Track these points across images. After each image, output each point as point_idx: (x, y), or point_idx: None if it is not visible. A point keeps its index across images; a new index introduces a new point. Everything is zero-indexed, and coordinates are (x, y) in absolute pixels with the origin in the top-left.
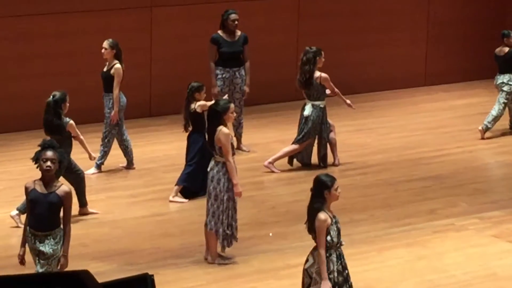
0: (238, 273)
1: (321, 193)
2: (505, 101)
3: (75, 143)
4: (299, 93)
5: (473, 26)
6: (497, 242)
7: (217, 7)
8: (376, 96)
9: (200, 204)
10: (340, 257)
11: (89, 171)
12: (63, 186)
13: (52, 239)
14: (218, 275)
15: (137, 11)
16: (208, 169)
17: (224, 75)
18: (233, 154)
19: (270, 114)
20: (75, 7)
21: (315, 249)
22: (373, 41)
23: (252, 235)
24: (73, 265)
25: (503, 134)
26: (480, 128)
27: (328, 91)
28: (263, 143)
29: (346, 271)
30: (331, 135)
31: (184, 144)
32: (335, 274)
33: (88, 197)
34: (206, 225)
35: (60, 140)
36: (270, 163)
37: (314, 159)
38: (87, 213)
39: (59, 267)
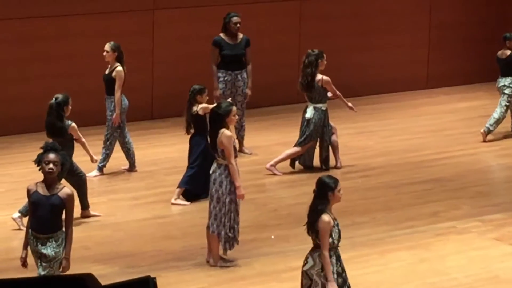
0: (240, 275)
1: (325, 195)
2: (507, 103)
3: (77, 146)
4: (301, 96)
5: (475, 29)
6: (499, 245)
7: (219, 10)
8: (377, 98)
9: (202, 207)
10: (339, 258)
11: (91, 174)
12: (65, 188)
13: (54, 242)
14: (220, 277)
15: (139, 13)
16: (210, 172)
17: (226, 78)
18: (236, 156)
19: (272, 117)
20: (77, 10)
21: (314, 250)
22: (374, 44)
23: (254, 238)
24: (75, 268)
25: (505, 136)
26: (482, 131)
27: (329, 94)
28: (265, 145)
29: (344, 273)
30: (333, 137)
31: (186, 146)
32: (335, 276)
33: (90, 200)
34: (208, 227)
35: (62, 142)
36: (272, 165)
37: (316, 161)
38: (89, 216)
39: (61, 270)
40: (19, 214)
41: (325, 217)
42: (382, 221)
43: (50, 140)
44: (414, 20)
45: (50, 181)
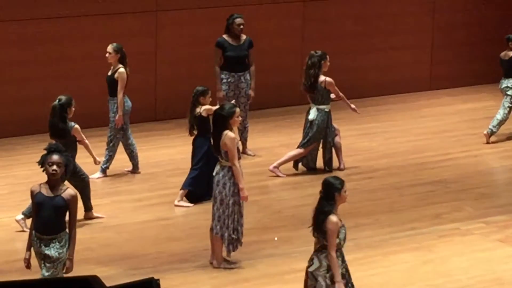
0: (243, 277)
1: (331, 196)
2: (510, 105)
3: (80, 147)
4: (304, 97)
5: (478, 31)
6: (503, 247)
7: (222, 11)
8: (381, 100)
9: (205, 209)
10: (344, 259)
11: (94, 176)
12: (69, 189)
13: (57, 243)
14: (223, 279)
15: (143, 15)
16: (214, 174)
17: (229, 80)
18: (239, 158)
19: (275, 118)
20: (80, 11)
21: (320, 251)
22: (377, 45)
23: (258, 240)
24: (78, 270)
25: (508, 138)
26: (485, 132)
27: (332, 96)
28: (268, 147)
29: (348, 273)
30: (336, 139)
31: (189, 148)
32: None
33: (93, 202)
34: (211, 229)
35: (65, 144)
36: (275, 167)
37: (319, 163)
38: (92, 218)
39: (64, 271)
40: (22, 216)
41: (333, 218)
42: (386, 223)
43: (54, 142)
44: (417, 22)
45: (53, 182)
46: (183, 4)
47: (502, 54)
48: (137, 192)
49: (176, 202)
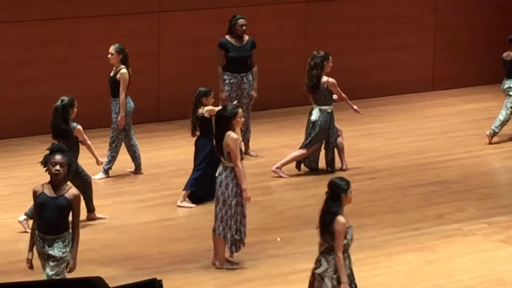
0: (246, 278)
1: (338, 197)
2: None
3: (82, 148)
4: (307, 98)
5: (481, 31)
6: (505, 247)
7: (224, 12)
8: (383, 101)
9: (208, 209)
10: (350, 260)
11: (97, 176)
12: (72, 189)
13: (61, 242)
14: (226, 280)
15: (145, 16)
16: (216, 174)
17: (231, 81)
18: (242, 159)
19: (278, 119)
20: (83, 12)
21: (328, 253)
22: (380, 46)
23: (260, 240)
24: (80, 270)
25: (511, 139)
26: (487, 133)
27: (335, 96)
28: (270, 148)
29: (351, 273)
30: (339, 140)
31: (191, 149)
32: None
33: (96, 202)
34: (214, 230)
35: (67, 145)
36: (277, 168)
37: (322, 164)
38: (94, 218)
39: (67, 270)
40: (25, 217)
41: (341, 219)
42: (388, 223)
43: (56, 142)
44: (419, 22)
45: (57, 183)
46: (185, 5)
47: (505, 54)
48: (140, 193)
49: (178, 203)
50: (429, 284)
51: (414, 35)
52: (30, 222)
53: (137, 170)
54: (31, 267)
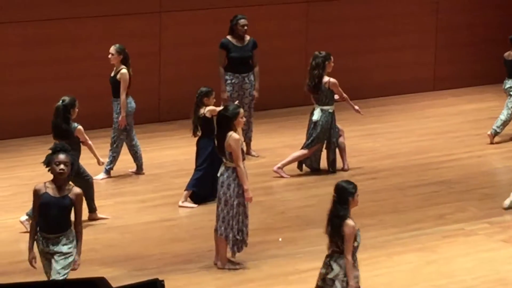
0: (248, 278)
1: (345, 200)
2: None
3: (83, 148)
4: (308, 98)
5: (482, 31)
6: (507, 247)
7: (226, 12)
8: (384, 101)
9: (209, 209)
10: (357, 262)
11: (98, 177)
12: (75, 188)
13: (65, 239)
14: (227, 280)
15: (146, 16)
16: (218, 175)
17: (233, 81)
18: (243, 159)
19: (279, 119)
20: (84, 13)
21: (338, 256)
22: (381, 46)
23: (262, 240)
24: (82, 270)
25: None
26: (489, 133)
27: (336, 96)
28: (272, 148)
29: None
30: (340, 140)
31: (193, 149)
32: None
33: (97, 203)
34: (216, 230)
35: (69, 145)
36: (279, 168)
37: (323, 164)
38: (96, 219)
39: (75, 266)
40: (26, 217)
41: (350, 222)
42: (390, 224)
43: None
44: (420, 22)
45: (61, 182)
46: (186, 5)
47: (506, 54)
48: (141, 193)
49: (180, 203)
50: (430, 284)
51: (414, 35)
52: None
53: (139, 170)
54: (34, 265)
